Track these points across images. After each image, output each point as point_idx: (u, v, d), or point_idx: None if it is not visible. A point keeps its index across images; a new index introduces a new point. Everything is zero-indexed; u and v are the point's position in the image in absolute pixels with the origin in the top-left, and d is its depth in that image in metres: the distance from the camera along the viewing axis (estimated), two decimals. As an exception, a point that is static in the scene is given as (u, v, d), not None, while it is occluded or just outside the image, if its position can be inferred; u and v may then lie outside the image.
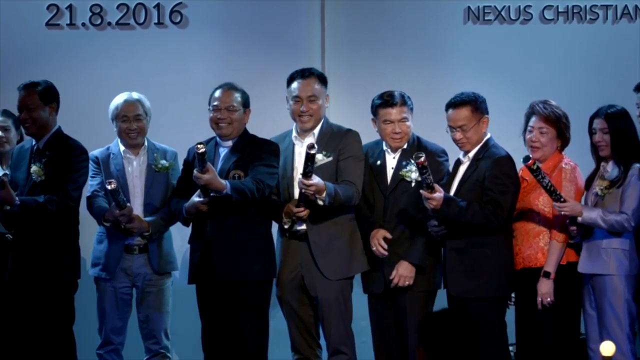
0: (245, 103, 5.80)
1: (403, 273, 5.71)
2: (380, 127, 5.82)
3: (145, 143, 6.07)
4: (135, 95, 6.04)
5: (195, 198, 5.62)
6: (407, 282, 5.71)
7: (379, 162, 5.84)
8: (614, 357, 5.39)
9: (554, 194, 5.49)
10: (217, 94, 5.79)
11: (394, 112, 5.78)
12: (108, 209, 5.86)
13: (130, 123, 5.97)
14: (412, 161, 5.64)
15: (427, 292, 5.78)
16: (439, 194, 5.48)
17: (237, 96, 5.78)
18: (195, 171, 5.51)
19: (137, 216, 5.90)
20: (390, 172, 5.83)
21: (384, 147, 5.88)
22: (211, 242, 5.66)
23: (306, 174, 5.48)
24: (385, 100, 5.81)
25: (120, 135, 6.02)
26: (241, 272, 5.66)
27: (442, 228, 5.63)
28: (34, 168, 5.81)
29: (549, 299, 5.57)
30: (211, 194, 5.57)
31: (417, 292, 5.75)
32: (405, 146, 5.83)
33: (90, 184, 6.00)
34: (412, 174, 5.74)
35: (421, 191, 5.51)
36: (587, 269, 5.66)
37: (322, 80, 5.85)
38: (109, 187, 5.67)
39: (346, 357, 5.77)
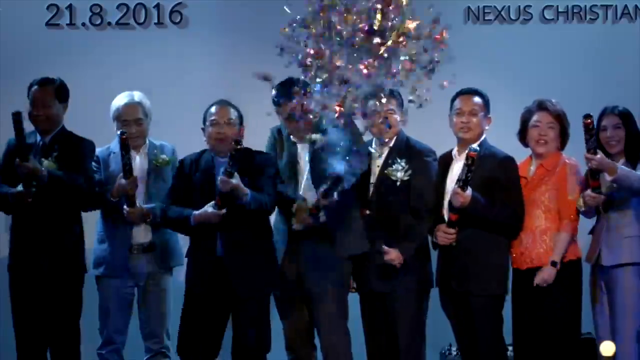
0: (241, 119, 5.76)
1: (393, 257, 5.67)
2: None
3: (147, 142, 6.07)
4: (136, 97, 6.00)
5: (209, 209, 5.56)
6: (396, 262, 5.67)
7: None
8: (620, 357, 5.47)
9: (592, 146, 5.47)
10: (214, 109, 5.73)
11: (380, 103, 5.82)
12: (111, 189, 5.82)
13: (131, 126, 5.94)
14: (398, 160, 5.71)
15: (418, 293, 5.78)
16: (469, 192, 5.51)
17: (234, 111, 5.74)
18: (222, 176, 5.47)
19: (139, 205, 5.88)
20: (376, 171, 5.82)
21: (373, 146, 5.89)
22: (225, 260, 5.60)
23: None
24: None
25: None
26: (257, 286, 5.64)
27: (455, 238, 5.64)
28: (46, 162, 5.78)
29: (545, 285, 5.58)
30: (224, 209, 5.52)
31: (407, 292, 5.75)
32: (392, 144, 5.84)
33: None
34: (398, 172, 5.75)
35: (455, 186, 5.51)
36: (613, 260, 5.67)
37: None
38: (124, 137, 5.65)
39: (343, 356, 5.77)
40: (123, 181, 5.77)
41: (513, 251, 5.73)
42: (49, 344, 5.85)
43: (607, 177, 5.51)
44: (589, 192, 5.58)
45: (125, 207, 5.83)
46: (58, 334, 5.82)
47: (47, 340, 5.84)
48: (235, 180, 5.48)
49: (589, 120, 5.44)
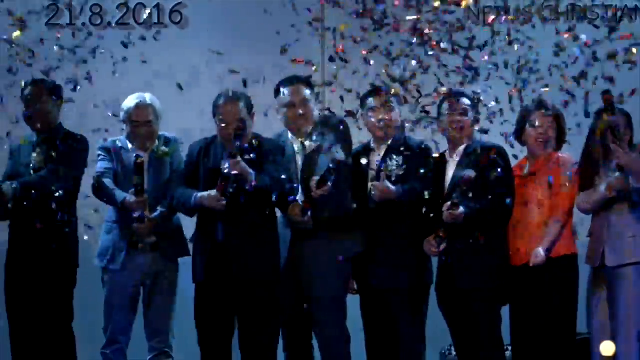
0: (250, 108, 5.79)
1: (378, 186, 5.68)
2: (366, 118, 5.88)
3: (156, 142, 6.06)
4: (147, 99, 6.00)
5: (212, 193, 5.60)
6: (382, 192, 5.67)
7: (364, 161, 5.84)
8: (621, 357, 5.47)
9: (616, 136, 5.50)
10: (222, 107, 5.74)
11: (380, 100, 5.84)
12: (125, 196, 5.82)
13: (141, 128, 5.96)
14: (394, 157, 5.74)
15: (418, 291, 5.79)
16: (461, 210, 5.54)
17: (242, 105, 5.75)
18: (228, 159, 5.49)
19: (149, 219, 5.88)
20: (373, 170, 5.82)
21: (371, 145, 5.91)
22: (227, 246, 5.64)
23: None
24: (374, 90, 5.86)
25: (130, 139, 6.01)
26: (259, 272, 5.67)
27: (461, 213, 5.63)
28: (34, 155, 5.84)
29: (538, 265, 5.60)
30: (229, 191, 5.54)
31: (407, 290, 5.75)
32: (389, 142, 5.86)
33: (99, 165, 5.99)
34: (393, 168, 5.76)
35: (446, 207, 5.54)
36: (616, 260, 5.65)
37: (309, 84, 5.91)
38: (138, 161, 5.69)
39: (341, 357, 5.76)
40: (133, 199, 5.78)
41: (510, 248, 5.73)
42: (44, 346, 5.86)
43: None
44: (618, 174, 5.56)
45: (134, 224, 5.85)
46: (51, 336, 5.83)
47: (43, 342, 5.85)
48: (244, 163, 5.51)
49: (609, 96, 5.45)
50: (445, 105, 5.81)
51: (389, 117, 5.83)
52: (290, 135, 5.87)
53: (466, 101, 5.80)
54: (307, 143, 5.69)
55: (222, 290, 5.68)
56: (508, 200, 5.64)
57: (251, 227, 5.67)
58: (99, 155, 5.99)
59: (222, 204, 5.57)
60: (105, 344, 6.01)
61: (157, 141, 6.02)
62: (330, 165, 5.46)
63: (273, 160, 5.69)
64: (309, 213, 5.61)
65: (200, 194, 5.64)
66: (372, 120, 5.84)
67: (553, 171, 5.71)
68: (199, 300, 5.77)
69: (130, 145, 6.00)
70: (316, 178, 5.52)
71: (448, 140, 5.87)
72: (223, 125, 5.72)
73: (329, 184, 5.49)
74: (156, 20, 6.92)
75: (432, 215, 5.68)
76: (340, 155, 5.56)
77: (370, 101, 5.87)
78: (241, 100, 5.75)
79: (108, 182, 5.91)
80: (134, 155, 5.80)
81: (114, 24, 6.89)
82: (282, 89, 5.86)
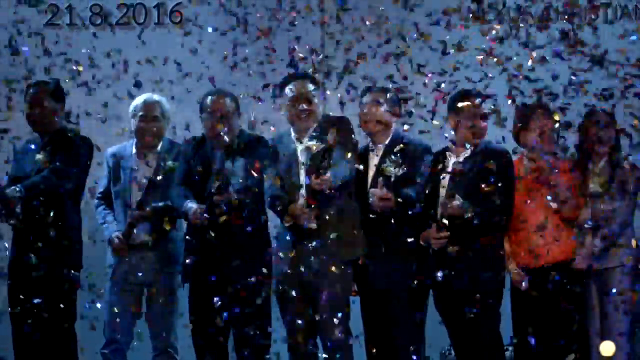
0: (237, 106, 5.82)
1: (377, 193, 5.68)
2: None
3: (159, 147, 6.07)
4: (156, 96, 6.09)
5: (196, 208, 5.67)
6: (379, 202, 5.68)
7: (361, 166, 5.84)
8: (614, 357, 5.48)
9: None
10: (209, 101, 5.80)
11: (371, 97, 5.84)
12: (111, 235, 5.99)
13: (147, 123, 6.00)
14: (393, 157, 5.73)
15: (417, 292, 5.79)
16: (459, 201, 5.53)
17: (229, 100, 5.78)
18: (216, 197, 5.58)
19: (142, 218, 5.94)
20: (373, 170, 5.84)
21: (369, 145, 5.91)
22: (216, 247, 5.67)
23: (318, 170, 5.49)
24: (368, 88, 5.89)
25: (136, 134, 6.04)
26: (248, 271, 5.68)
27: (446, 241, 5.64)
28: (38, 157, 5.86)
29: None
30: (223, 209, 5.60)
31: (406, 291, 5.76)
32: (387, 142, 5.85)
33: (100, 184, 6.15)
34: (392, 168, 5.75)
35: (443, 198, 5.56)
36: (607, 263, 5.68)
37: (314, 81, 5.91)
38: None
39: (344, 356, 5.76)
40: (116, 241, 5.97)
41: (519, 250, 5.72)
42: (45, 347, 5.86)
43: None
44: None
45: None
46: (53, 337, 5.84)
47: (44, 342, 5.85)
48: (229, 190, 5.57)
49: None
50: (467, 106, 5.74)
51: (377, 111, 5.81)
52: (293, 134, 5.87)
53: (480, 102, 5.75)
54: (309, 142, 5.68)
55: (213, 291, 5.69)
56: (508, 201, 5.64)
57: (239, 228, 5.68)
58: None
59: (203, 221, 5.63)
60: (105, 343, 6.02)
61: (167, 154, 6.04)
62: (323, 149, 5.46)
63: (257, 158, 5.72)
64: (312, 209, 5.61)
65: (188, 206, 5.70)
66: (360, 116, 5.86)
67: (563, 173, 5.71)
68: (192, 301, 5.79)
69: (134, 150, 6.04)
70: (308, 164, 5.53)
71: (454, 140, 5.82)
72: (209, 120, 5.74)
73: (328, 174, 5.47)
74: (156, 20, 6.92)
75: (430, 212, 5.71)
76: (340, 151, 5.56)
77: (364, 99, 5.88)
78: (227, 96, 5.80)
79: (102, 212, 6.09)
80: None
81: (114, 24, 6.89)
82: (286, 85, 5.86)
